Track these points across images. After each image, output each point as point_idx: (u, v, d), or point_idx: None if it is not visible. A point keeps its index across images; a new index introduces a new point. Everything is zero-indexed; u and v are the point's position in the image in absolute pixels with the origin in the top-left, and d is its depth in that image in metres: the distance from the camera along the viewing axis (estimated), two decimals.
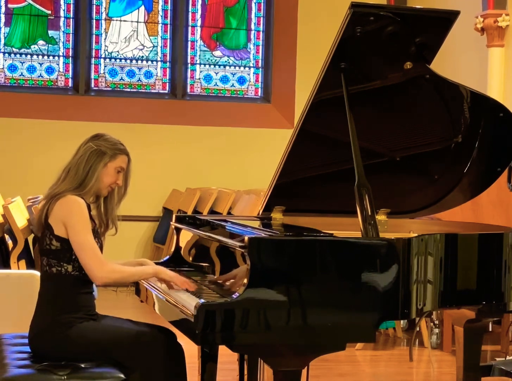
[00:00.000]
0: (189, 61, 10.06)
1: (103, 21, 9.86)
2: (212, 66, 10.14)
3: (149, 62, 9.99)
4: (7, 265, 6.69)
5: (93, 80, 9.81)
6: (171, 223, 4.07)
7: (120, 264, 3.58)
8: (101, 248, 3.46)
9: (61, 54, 9.74)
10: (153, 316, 3.64)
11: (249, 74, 10.25)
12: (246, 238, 2.98)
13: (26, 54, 9.66)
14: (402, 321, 6.47)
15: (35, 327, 3.40)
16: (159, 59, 10.01)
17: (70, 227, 3.34)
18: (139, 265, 3.67)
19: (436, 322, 6.25)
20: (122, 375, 3.25)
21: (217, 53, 10.17)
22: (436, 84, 3.69)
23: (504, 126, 3.82)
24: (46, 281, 3.45)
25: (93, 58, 9.81)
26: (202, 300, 2.96)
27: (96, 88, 9.83)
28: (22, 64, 9.65)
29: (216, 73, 10.16)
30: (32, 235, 7.39)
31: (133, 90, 9.93)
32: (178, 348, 3.44)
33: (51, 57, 9.72)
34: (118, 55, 9.92)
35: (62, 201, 3.37)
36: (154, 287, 3.59)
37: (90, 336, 3.33)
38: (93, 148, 3.46)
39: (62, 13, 9.74)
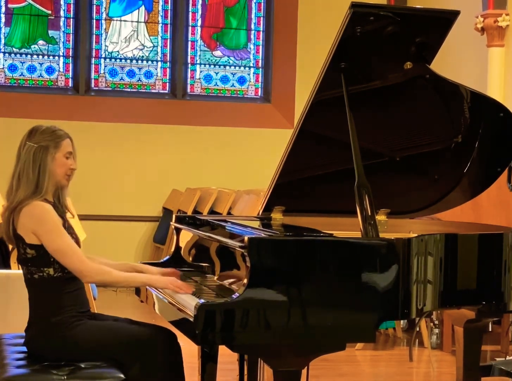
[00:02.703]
0: (189, 61, 10.06)
1: (103, 21, 9.86)
2: (212, 66, 10.14)
3: (149, 62, 9.99)
4: (7, 265, 6.68)
5: (93, 80, 9.81)
6: (171, 223, 4.07)
7: (113, 264, 3.54)
8: (77, 242, 3.41)
9: (61, 54, 9.74)
10: (153, 316, 3.64)
11: (249, 74, 10.24)
12: (246, 238, 2.98)
13: (26, 54, 9.66)
14: (402, 321, 6.47)
15: (29, 331, 3.40)
16: (159, 59, 10.01)
17: (43, 236, 3.28)
18: (134, 271, 3.58)
19: (436, 322, 6.25)
20: (122, 375, 3.25)
21: (217, 53, 10.17)
22: (436, 84, 3.69)
23: (504, 126, 3.82)
24: (31, 288, 3.42)
25: (93, 58, 9.81)
26: (202, 300, 2.97)
27: (96, 88, 9.83)
28: (22, 64, 9.64)
29: (216, 73, 10.16)
30: None
31: (133, 90, 9.93)
32: (176, 347, 3.43)
33: (51, 57, 9.72)
34: (118, 55, 9.92)
35: (27, 209, 3.29)
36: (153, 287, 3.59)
37: (88, 336, 3.32)
38: (34, 147, 3.38)
39: (62, 13, 9.73)
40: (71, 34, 9.75)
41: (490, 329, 6.26)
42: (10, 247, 6.95)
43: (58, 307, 3.34)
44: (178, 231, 3.97)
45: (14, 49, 9.64)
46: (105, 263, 3.55)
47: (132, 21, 9.96)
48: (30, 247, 3.32)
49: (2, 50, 9.60)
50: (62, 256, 3.28)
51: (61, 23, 9.75)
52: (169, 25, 10.03)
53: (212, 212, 8.57)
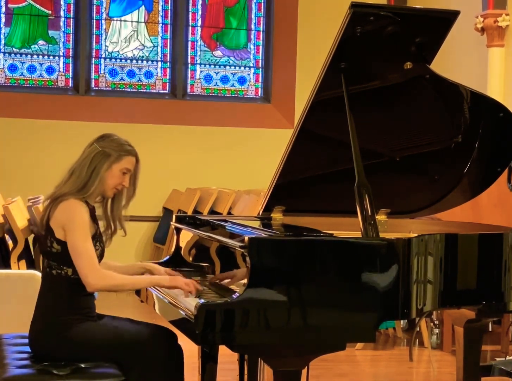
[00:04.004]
0: (189, 61, 10.06)
1: (103, 21, 9.86)
2: (212, 66, 10.14)
3: (149, 62, 9.99)
4: (7, 265, 6.69)
5: (93, 80, 9.81)
6: (171, 223, 4.07)
7: (122, 266, 3.56)
8: (102, 253, 3.44)
9: (61, 54, 9.74)
10: (153, 316, 3.64)
11: (249, 74, 10.25)
12: (246, 238, 2.98)
13: (26, 54, 9.66)
14: (402, 321, 6.47)
15: (35, 328, 3.40)
16: (159, 59, 10.01)
17: (69, 232, 3.30)
18: (144, 269, 3.62)
19: (436, 322, 6.25)
20: (122, 375, 3.25)
21: (217, 53, 10.17)
22: (436, 84, 3.69)
23: (504, 126, 3.82)
24: (46, 282, 3.43)
25: (93, 58, 9.81)
26: (202, 300, 2.96)
27: (96, 88, 9.83)
28: (22, 64, 9.65)
29: (216, 73, 10.16)
30: (32, 235, 7.38)
31: (133, 90, 9.93)
32: (177, 347, 3.44)
33: (51, 57, 9.72)
34: (118, 55, 9.92)
35: (64, 205, 3.33)
36: (154, 287, 3.59)
37: (90, 336, 3.32)
38: (97, 149, 3.41)
39: (62, 13, 9.74)
40: (71, 34, 9.75)
41: (490, 329, 6.26)
42: (10, 246, 6.96)
43: (68, 308, 3.36)
44: (178, 231, 3.97)
45: (14, 49, 9.64)
46: (114, 266, 3.56)
47: (132, 21, 9.96)
48: (57, 242, 3.34)
49: (2, 50, 9.60)
50: (76, 255, 3.29)
51: (61, 23, 9.75)
52: (169, 25, 10.03)
53: (212, 212, 8.57)
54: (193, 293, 3.30)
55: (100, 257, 3.41)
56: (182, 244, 3.96)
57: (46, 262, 3.40)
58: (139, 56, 9.97)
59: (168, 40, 10.01)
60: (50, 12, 9.71)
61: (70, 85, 9.76)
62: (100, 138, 3.46)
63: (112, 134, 3.49)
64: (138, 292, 3.88)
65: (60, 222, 3.33)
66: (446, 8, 3.62)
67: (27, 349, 3.43)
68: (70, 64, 9.76)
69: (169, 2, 10.00)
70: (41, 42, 9.70)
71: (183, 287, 3.33)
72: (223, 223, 3.62)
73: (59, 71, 9.74)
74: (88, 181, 3.38)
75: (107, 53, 9.87)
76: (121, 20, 9.93)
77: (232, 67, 10.19)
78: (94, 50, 9.81)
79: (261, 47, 10.24)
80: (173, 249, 3.96)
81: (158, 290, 3.52)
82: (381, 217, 3.86)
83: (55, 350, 3.32)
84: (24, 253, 6.96)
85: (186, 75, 10.05)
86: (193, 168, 9.59)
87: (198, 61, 10.10)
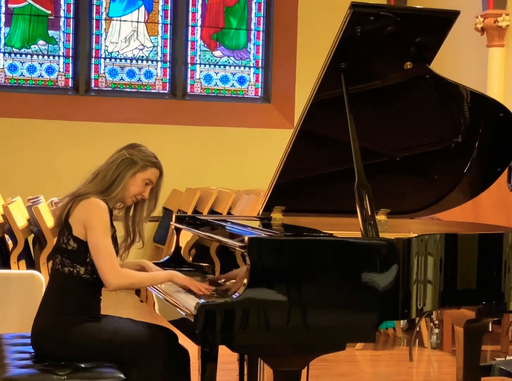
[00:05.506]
0: (189, 61, 10.07)
1: (103, 21, 9.86)
2: (212, 66, 10.14)
3: (149, 62, 9.99)
4: (7, 265, 6.68)
5: (93, 80, 9.81)
6: (171, 223, 4.07)
7: (120, 264, 3.57)
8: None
9: (61, 54, 9.74)
10: (153, 316, 3.64)
11: (249, 74, 10.25)
12: (246, 238, 2.98)
13: (26, 54, 9.66)
14: (402, 321, 6.47)
15: (38, 326, 3.39)
16: (159, 59, 10.01)
17: (89, 229, 3.32)
18: (139, 266, 3.64)
19: (436, 322, 6.25)
20: (122, 375, 3.25)
21: (217, 53, 10.17)
22: (436, 84, 3.69)
23: (504, 126, 3.83)
24: (55, 280, 3.43)
25: (93, 58, 9.81)
26: (202, 300, 2.96)
27: (96, 88, 9.83)
28: (22, 64, 9.65)
29: (216, 73, 10.16)
30: (32, 235, 7.38)
31: (133, 90, 9.93)
32: (179, 348, 3.44)
33: (51, 57, 9.72)
34: (118, 55, 9.92)
35: (85, 202, 3.36)
36: (154, 287, 3.59)
37: (90, 336, 3.32)
38: (125, 156, 3.46)
39: (62, 13, 9.74)
40: (71, 34, 9.76)
41: (490, 329, 6.26)
42: (10, 246, 6.95)
43: (74, 308, 3.36)
44: (178, 231, 3.97)
45: (14, 49, 9.64)
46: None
47: (132, 21, 9.96)
48: (74, 240, 3.35)
49: (2, 50, 9.60)
50: (96, 252, 3.31)
51: (61, 23, 9.75)
52: (169, 25, 10.03)
53: (212, 212, 8.57)
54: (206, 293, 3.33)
55: None
56: (182, 244, 3.96)
57: (59, 258, 3.40)
58: (139, 56, 9.97)
59: (168, 40, 10.02)
60: (50, 12, 9.71)
61: (70, 85, 9.75)
62: (130, 146, 3.52)
63: (141, 145, 3.56)
64: (138, 292, 3.88)
65: (80, 219, 3.35)
66: (446, 8, 3.62)
67: (28, 349, 3.43)
68: (70, 64, 9.76)
69: (169, 2, 10.00)
70: (41, 42, 9.70)
71: (195, 290, 3.34)
72: (223, 223, 3.62)
73: (59, 71, 9.74)
74: (112, 185, 3.42)
75: (107, 53, 9.87)
76: (121, 20, 9.93)
77: (232, 67, 10.20)
78: (94, 50, 9.81)
79: (261, 47, 10.24)
80: (173, 249, 3.96)
81: (158, 290, 3.52)
82: (381, 217, 3.86)
83: (57, 349, 3.32)
84: (24, 253, 6.95)
85: (186, 75, 10.05)
86: (193, 168, 9.59)
87: (198, 61, 10.10)
